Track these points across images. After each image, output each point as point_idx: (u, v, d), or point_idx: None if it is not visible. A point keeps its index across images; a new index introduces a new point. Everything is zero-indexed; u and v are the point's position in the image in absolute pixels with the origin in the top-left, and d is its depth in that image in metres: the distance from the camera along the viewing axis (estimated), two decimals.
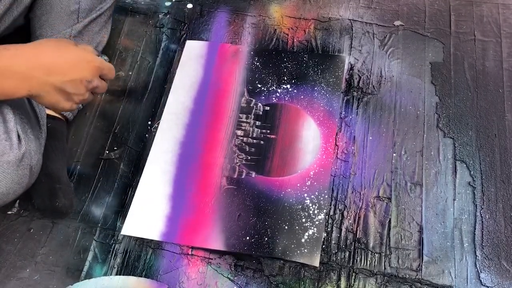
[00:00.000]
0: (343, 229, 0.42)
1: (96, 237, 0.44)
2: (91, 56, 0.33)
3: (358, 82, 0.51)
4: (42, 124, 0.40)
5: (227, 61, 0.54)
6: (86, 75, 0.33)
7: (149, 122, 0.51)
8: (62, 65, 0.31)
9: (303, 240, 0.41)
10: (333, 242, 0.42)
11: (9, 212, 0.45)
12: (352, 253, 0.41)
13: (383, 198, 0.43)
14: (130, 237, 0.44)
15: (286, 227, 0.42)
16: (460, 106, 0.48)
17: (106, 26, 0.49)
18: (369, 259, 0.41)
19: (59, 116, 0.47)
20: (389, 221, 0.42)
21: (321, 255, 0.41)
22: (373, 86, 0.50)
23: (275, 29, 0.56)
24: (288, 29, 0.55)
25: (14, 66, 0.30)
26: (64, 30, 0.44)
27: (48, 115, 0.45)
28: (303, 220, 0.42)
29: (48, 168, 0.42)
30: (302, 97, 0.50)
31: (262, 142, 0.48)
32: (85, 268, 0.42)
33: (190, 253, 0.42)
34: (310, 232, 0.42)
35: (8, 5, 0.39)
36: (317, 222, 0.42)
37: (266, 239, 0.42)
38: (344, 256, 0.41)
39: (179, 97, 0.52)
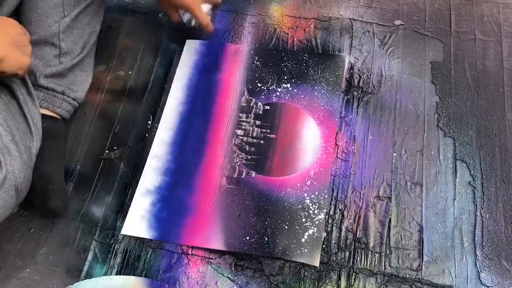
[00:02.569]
0: (343, 229, 0.42)
1: (96, 237, 0.44)
2: (5, 17, 0.38)
3: (358, 81, 0.51)
4: (33, 131, 0.39)
5: (227, 61, 0.53)
6: (19, 29, 0.37)
7: (149, 122, 0.51)
8: (1, 27, 0.35)
9: (303, 240, 0.41)
10: (333, 241, 0.42)
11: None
12: (352, 252, 0.41)
13: (383, 198, 0.43)
14: (130, 237, 0.44)
15: (286, 227, 0.42)
16: (461, 106, 0.48)
17: (97, 15, 0.47)
18: (369, 258, 0.41)
19: (56, 116, 0.46)
20: (389, 221, 0.42)
21: (321, 254, 0.41)
22: (373, 85, 0.50)
23: (275, 29, 0.56)
24: (288, 28, 0.55)
25: None
26: (52, 26, 0.43)
27: (44, 115, 0.44)
28: (303, 219, 0.42)
29: (41, 168, 0.42)
30: (302, 96, 0.50)
31: (262, 141, 0.48)
32: (85, 268, 0.42)
33: (190, 252, 0.42)
34: (310, 231, 0.42)
35: None
36: (317, 222, 0.42)
37: (266, 238, 0.42)
38: (344, 255, 0.41)
39: (179, 97, 0.52)
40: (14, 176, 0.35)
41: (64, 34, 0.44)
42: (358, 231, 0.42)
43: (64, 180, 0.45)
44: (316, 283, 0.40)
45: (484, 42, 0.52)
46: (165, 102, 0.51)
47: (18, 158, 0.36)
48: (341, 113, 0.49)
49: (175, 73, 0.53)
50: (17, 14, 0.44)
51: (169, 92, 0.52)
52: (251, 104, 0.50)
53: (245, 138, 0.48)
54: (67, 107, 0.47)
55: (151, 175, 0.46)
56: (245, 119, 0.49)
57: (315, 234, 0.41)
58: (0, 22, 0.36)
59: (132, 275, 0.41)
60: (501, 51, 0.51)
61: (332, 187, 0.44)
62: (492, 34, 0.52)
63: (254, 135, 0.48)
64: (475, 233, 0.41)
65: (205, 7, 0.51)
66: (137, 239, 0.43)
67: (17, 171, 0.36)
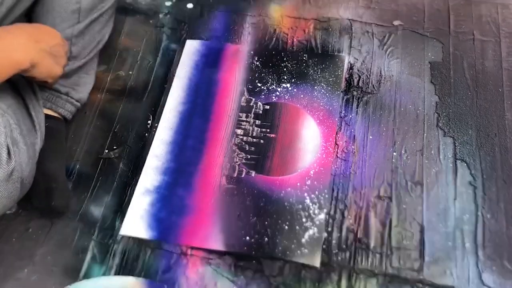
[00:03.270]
0: (344, 229, 0.42)
1: (94, 237, 0.44)
2: (48, 27, 0.38)
3: (358, 81, 0.51)
4: (37, 129, 0.40)
5: (227, 61, 0.54)
6: (59, 40, 0.38)
7: (149, 122, 0.51)
8: (41, 34, 0.36)
9: (303, 240, 0.41)
10: (333, 242, 0.41)
11: (8, 212, 0.45)
12: (353, 253, 0.41)
13: (384, 198, 0.43)
14: (129, 237, 0.43)
15: (286, 227, 0.42)
16: (460, 105, 0.48)
17: (108, 25, 0.49)
18: (370, 259, 0.40)
19: (58, 116, 0.47)
20: (390, 221, 0.42)
21: (321, 255, 0.40)
22: (373, 85, 0.50)
23: (275, 29, 0.56)
24: (288, 29, 0.56)
25: (16, 39, 0.33)
26: (66, 30, 0.44)
27: (46, 115, 0.45)
28: (304, 220, 0.42)
29: (45, 167, 0.42)
30: (302, 96, 0.50)
31: (262, 141, 0.48)
32: (84, 268, 0.42)
33: (189, 253, 0.42)
34: (311, 232, 0.41)
35: (11, 6, 0.40)
36: (317, 222, 0.42)
37: (266, 239, 0.41)
38: (344, 256, 0.41)
39: (179, 97, 0.52)
40: (21, 168, 0.36)
41: (76, 39, 0.45)
42: (358, 231, 0.42)
43: (66, 178, 0.45)
44: (317, 284, 0.39)
45: (483, 42, 0.52)
46: (165, 102, 0.51)
47: (25, 152, 0.36)
48: (341, 112, 0.49)
49: (175, 73, 0.53)
50: (27, 15, 0.44)
51: (169, 91, 0.52)
52: (251, 104, 0.50)
53: (245, 138, 0.48)
54: (70, 108, 0.47)
55: (151, 175, 0.46)
56: (245, 119, 0.49)
57: (316, 234, 0.41)
58: (42, 30, 0.37)
59: (131, 275, 0.41)
60: (499, 51, 0.51)
61: (332, 187, 0.44)
62: (491, 34, 0.52)
63: (254, 134, 0.48)
64: (476, 234, 0.41)
65: None
66: (136, 239, 0.43)
67: (24, 164, 0.36)
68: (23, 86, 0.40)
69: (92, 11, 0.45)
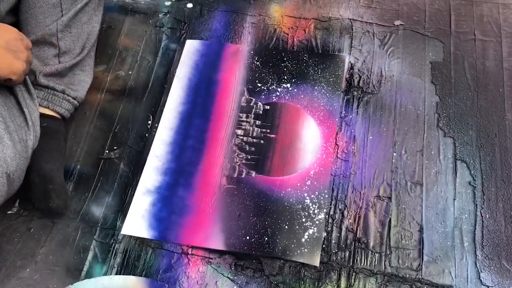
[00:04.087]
0: (343, 229, 0.42)
1: (96, 236, 0.44)
2: (5, 24, 0.38)
3: (358, 81, 0.51)
4: (30, 126, 0.39)
5: (227, 61, 0.54)
6: (15, 34, 0.37)
7: (149, 122, 0.51)
8: None
9: (303, 240, 0.41)
10: (333, 241, 0.42)
11: (9, 212, 0.45)
12: (352, 252, 0.41)
13: (383, 198, 0.43)
14: (130, 236, 0.44)
15: (286, 227, 0.42)
16: (461, 106, 0.48)
17: (96, 14, 0.47)
18: (369, 258, 0.41)
19: (56, 115, 0.46)
20: (389, 221, 0.42)
21: (321, 254, 0.41)
22: (373, 85, 0.50)
23: (275, 29, 0.56)
24: (288, 28, 0.55)
25: None
26: (50, 25, 0.43)
27: (44, 115, 0.44)
28: (303, 219, 0.42)
29: (41, 168, 0.42)
30: (302, 96, 0.50)
31: (262, 141, 0.48)
32: (85, 268, 0.42)
33: (190, 252, 0.42)
34: (310, 231, 0.42)
35: None
36: (317, 222, 0.42)
37: (266, 238, 0.42)
38: (344, 255, 0.41)
39: (178, 97, 0.52)
40: (6, 163, 0.36)
41: (63, 33, 0.44)
42: (358, 231, 0.42)
43: (64, 179, 0.45)
44: (316, 283, 0.40)
45: (484, 42, 0.52)
46: (165, 102, 0.51)
47: (11, 147, 0.36)
48: (341, 113, 0.49)
49: (175, 73, 0.53)
50: (16, 15, 0.44)
51: (169, 92, 0.52)
52: (251, 104, 0.50)
53: (245, 138, 0.48)
54: (67, 106, 0.47)
55: (151, 175, 0.46)
56: (245, 119, 0.49)
57: (315, 234, 0.41)
58: None
59: (132, 275, 0.41)
60: (500, 51, 0.51)
61: (332, 187, 0.44)
62: (492, 34, 0.52)
63: (254, 135, 0.48)
64: (475, 233, 0.41)
65: None
66: (137, 239, 0.43)
67: (9, 159, 0.36)
68: (17, 85, 0.40)
69: (75, 2, 0.44)
